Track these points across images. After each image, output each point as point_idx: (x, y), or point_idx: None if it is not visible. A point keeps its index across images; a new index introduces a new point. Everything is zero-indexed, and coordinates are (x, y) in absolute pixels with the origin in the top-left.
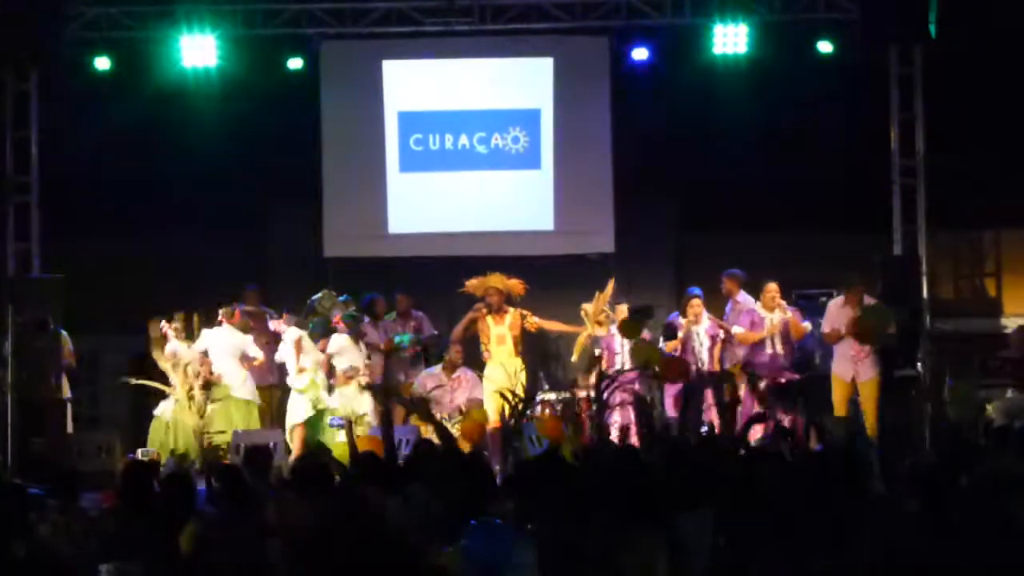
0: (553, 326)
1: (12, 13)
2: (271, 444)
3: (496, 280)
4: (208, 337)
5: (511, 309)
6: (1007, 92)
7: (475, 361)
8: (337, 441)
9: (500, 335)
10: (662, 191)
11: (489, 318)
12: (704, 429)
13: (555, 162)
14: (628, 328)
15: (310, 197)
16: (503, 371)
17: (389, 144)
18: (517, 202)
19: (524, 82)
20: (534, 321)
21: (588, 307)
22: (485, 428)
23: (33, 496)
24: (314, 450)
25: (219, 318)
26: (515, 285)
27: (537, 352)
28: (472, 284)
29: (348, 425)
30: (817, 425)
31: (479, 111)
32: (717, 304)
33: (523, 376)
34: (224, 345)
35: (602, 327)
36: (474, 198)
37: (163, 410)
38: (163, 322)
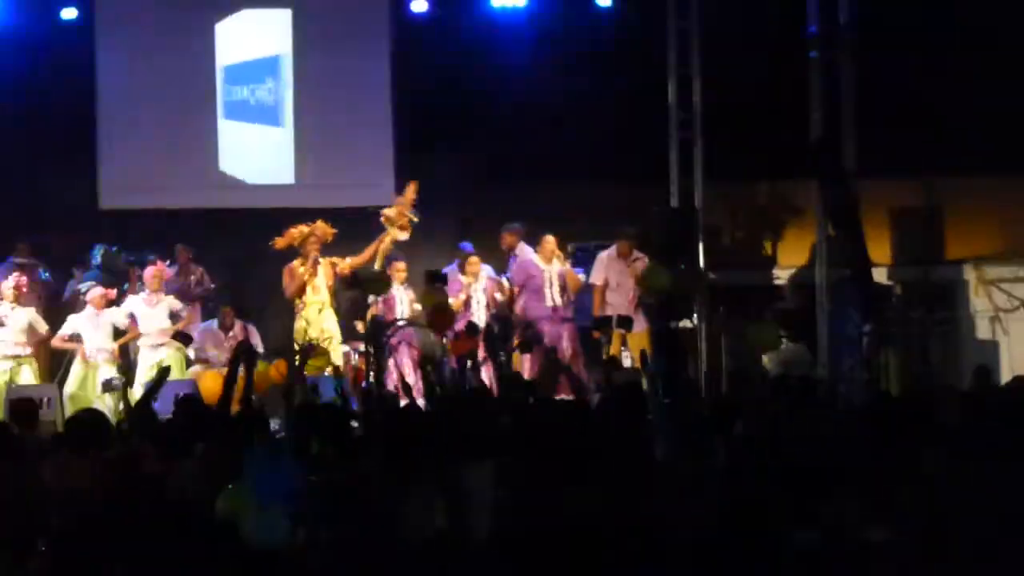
0: (359, 258)
1: None
2: (44, 399)
3: (307, 231)
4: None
5: (322, 260)
6: (783, 44)
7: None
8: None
9: (316, 286)
10: (445, 143)
11: (303, 269)
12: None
13: (321, 114)
14: (427, 297)
15: (87, 149)
16: (315, 322)
17: (164, 94)
18: (285, 155)
19: (271, 33)
20: (345, 264)
21: (389, 211)
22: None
23: None
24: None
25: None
26: (325, 230)
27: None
28: (282, 241)
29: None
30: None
31: (241, 66)
32: (500, 256)
33: (337, 326)
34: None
35: (404, 231)
36: (250, 150)
37: None
38: None
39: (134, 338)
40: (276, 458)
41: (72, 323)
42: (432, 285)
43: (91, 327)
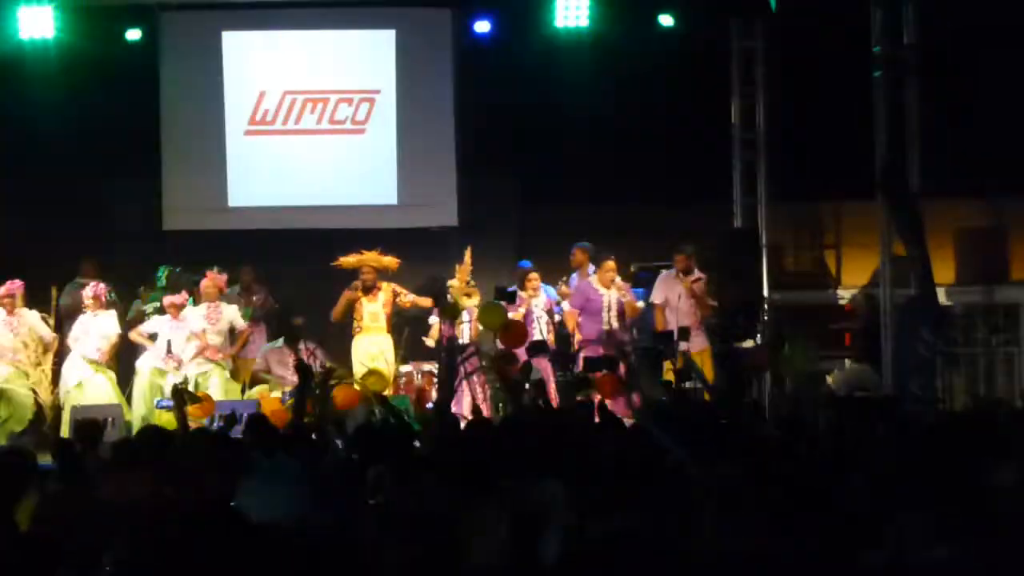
0: (424, 302)
1: None
2: (109, 419)
3: (371, 258)
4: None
5: (384, 285)
6: (847, 65)
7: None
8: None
9: (373, 312)
10: (505, 165)
11: (363, 295)
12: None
13: (398, 135)
14: (491, 312)
15: (150, 170)
16: (373, 346)
17: (229, 117)
18: (360, 175)
19: (365, 57)
20: (407, 300)
21: (453, 283)
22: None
23: None
24: (149, 425)
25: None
26: (391, 262)
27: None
28: (347, 260)
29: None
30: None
31: (321, 88)
32: (562, 273)
33: (392, 351)
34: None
35: (471, 299)
36: (315, 172)
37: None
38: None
39: (204, 348)
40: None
41: (155, 323)
42: (498, 299)
43: (171, 329)
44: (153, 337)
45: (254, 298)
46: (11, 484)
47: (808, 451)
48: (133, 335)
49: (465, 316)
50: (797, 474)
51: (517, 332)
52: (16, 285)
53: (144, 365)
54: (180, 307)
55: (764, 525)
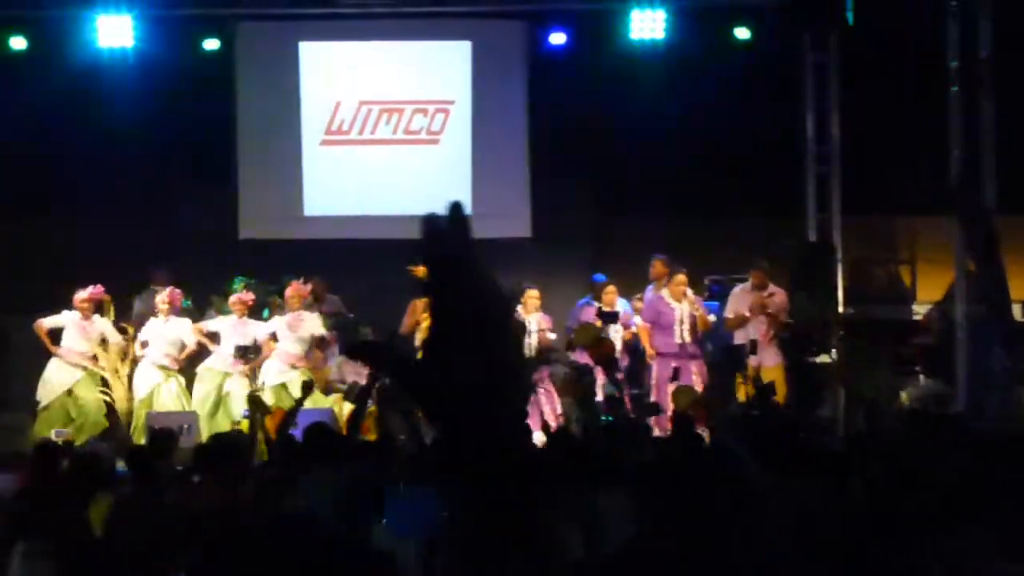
0: None
1: None
2: (183, 426)
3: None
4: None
5: None
6: (921, 77)
7: None
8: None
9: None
10: (578, 176)
11: (421, 308)
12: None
13: (472, 146)
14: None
15: (225, 179)
16: None
17: (305, 127)
18: (434, 186)
19: (441, 67)
20: None
21: None
22: None
23: None
24: (222, 433)
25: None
26: None
27: None
28: (422, 268)
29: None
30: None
31: (396, 99)
32: (635, 285)
33: None
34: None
35: None
36: (390, 182)
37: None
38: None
39: (266, 357)
40: (412, 489)
41: (217, 323)
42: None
43: (233, 333)
44: (214, 337)
45: (323, 308)
46: (84, 485)
47: (877, 466)
48: (195, 332)
49: (527, 324)
50: (864, 489)
51: (606, 349)
52: (99, 291)
53: (209, 367)
54: (247, 306)
55: (831, 538)
